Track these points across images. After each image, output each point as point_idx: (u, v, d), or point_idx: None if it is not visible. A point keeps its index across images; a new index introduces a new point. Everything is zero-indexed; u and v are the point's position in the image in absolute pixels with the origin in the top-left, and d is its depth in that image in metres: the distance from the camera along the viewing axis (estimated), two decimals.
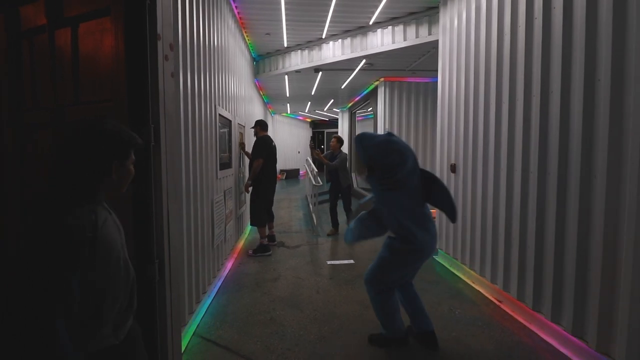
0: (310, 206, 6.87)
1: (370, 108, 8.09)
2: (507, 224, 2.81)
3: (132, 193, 1.55)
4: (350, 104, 10.10)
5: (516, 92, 2.70)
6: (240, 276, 3.60)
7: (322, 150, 10.08)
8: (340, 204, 5.41)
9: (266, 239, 4.41)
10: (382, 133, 2.28)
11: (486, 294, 3.09)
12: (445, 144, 3.95)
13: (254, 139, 4.44)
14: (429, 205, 2.16)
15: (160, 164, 1.62)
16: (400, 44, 4.79)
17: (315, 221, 5.59)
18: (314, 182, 5.70)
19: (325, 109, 11.44)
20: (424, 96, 6.68)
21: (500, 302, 2.92)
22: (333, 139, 5.33)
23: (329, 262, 4.04)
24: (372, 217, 2.23)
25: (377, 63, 5.64)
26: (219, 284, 3.33)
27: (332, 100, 9.51)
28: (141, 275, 1.58)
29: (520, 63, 2.66)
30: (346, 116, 11.11)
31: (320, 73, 6.13)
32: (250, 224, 4.51)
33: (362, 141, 2.11)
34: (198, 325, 2.55)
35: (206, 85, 2.92)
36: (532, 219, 2.51)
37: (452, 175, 3.77)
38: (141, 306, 1.29)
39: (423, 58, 5.35)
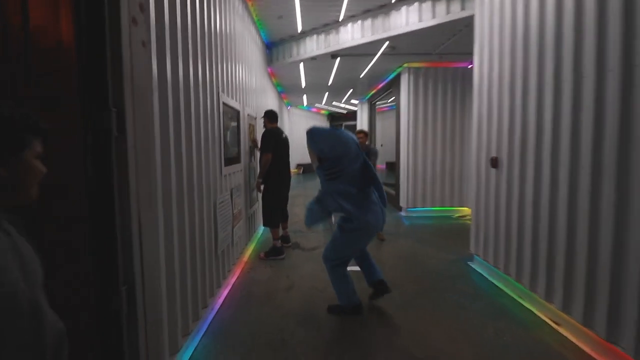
0: None
1: (393, 98, 7.53)
2: (569, 232, 2.27)
3: (88, 202, 1.16)
4: (370, 95, 9.55)
5: (583, 67, 2.16)
6: (250, 284, 3.23)
7: None
8: None
9: (279, 241, 4.03)
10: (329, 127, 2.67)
11: (539, 314, 2.58)
12: (484, 135, 3.41)
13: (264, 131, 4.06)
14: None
15: (127, 161, 1.22)
16: (427, 22, 4.25)
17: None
18: None
19: (343, 101, 10.91)
20: (452, 83, 6.07)
21: (558, 324, 2.40)
22: (361, 134, 4.75)
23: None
24: (319, 203, 2.51)
25: (400, 46, 5.10)
26: (225, 294, 2.97)
27: (350, 91, 8.98)
28: (104, 309, 1.21)
29: (589, 31, 2.11)
30: (365, 108, 10.56)
31: (338, 59, 5.65)
32: (263, 225, 4.14)
33: (313, 135, 2.43)
34: (195, 348, 2.18)
35: (205, 70, 2.52)
36: (607, 228, 1.98)
37: (493, 171, 3.24)
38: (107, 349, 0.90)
39: (453, 39, 4.77)
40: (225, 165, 3.04)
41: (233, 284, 3.22)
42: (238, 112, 3.66)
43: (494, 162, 3.20)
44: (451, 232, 5.17)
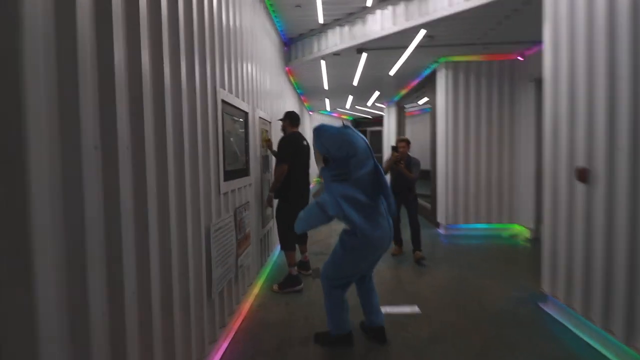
0: None
1: (426, 99, 6.73)
2: None
3: None
4: (398, 96, 8.76)
5: None
6: (257, 332, 2.54)
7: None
8: (404, 215, 4.25)
9: (295, 268, 3.34)
10: (340, 126, 2.22)
11: None
12: (564, 140, 2.58)
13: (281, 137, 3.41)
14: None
15: None
16: (475, 0, 3.47)
17: None
18: None
19: (369, 104, 10.17)
20: (499, 79, 5.20)
21: None
22: (402, 142, 4.15)
23: (382, 310, 2.84)
24: (319, 206, 2.13)
25: (439, 35, 4.33)
26: (225, 346, 2.29)
27: (377, 93, 8.23)
28: None
29: None
30: (393, 111, 9.77)
31: (365, 55, 4.94)
32: (280, 248, 3.47)
33: (319, 133, 2.19)
34: None
35: (192, 59, 1.89)
36: None
37: (580, 186, 2.40)
38: None
39: (505, 23, 3.95)
40: (226, 179, 2.39)
41: (237, 330, 2.54)
42: (246, 115, 3.02)
43: (583, 175, 2.36)
44: (505, 256, 4.28)
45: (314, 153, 2.29)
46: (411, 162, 4.08)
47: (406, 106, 8.54)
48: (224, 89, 2.40)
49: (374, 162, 2.20)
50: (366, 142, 2.20)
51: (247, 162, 3.02)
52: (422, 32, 4.11)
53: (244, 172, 2.93)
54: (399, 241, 4.38)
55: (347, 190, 2.10)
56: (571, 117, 2.51)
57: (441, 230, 5.49)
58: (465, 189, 5.30)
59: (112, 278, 1.17)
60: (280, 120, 3.57)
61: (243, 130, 2.95)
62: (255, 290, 3.23)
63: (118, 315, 1.19)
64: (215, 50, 2.22)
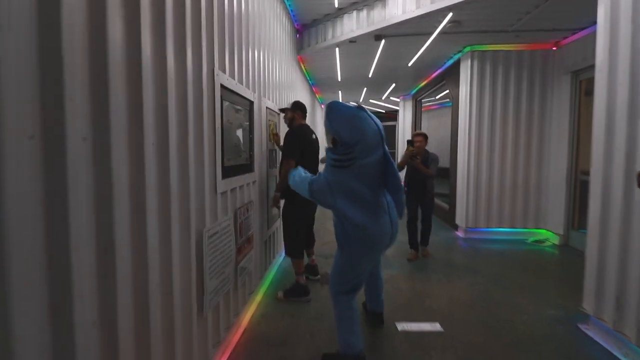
0: None
1: (446, 91, 6.30)
2: None
3: None
4: (416, 89, 8.32)
5: None
6: (257, 349, 2.25)
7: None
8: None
9: (303, 276, 3.03)
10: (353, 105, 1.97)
11: None
12: (620, 138, 2.19)
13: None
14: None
15: None
16: None
17: None
18: None
19: (383, 97, 9.75)
20: (529, 71, 4.74)
21: None
22: (419, 137, 3.90)
23: (400, 327, 2.52)
24: (308, 186, 2.05)
25: (467, 21, 3.93)
26: None
27: (392, 85, 7.81)
28: None
29: None
30: (409, 105, 9.34)
31: (383, 42, 4.56)
32: (285, 254, 3.18)
33: (330, 112, 1.98)
34: None
35: (184, 37, 1.58)
36: None
37: None
38: None
39: (540, 8, 3.52)
40: (225, 177, 2.09)
41: (236, 345, 2.26)
42: (251, 104, 2.71)
43: None
44: (534, 265, 3.89)
45: (325, 133, 2.05)
46: (429, 158, 3.84)
47: (424, 100, 8.10)
48: (224, 72, 2.08)
49: (384, 150, 1.95)
50: (379, 128, 1.95)
51: (251, 156, 2.71)
52: (449, 16, 3.71)
53: (247, 167, 2.62)
54: (414, 245, 4.06)
55: (345, 179, 1.90)
56: (631, 112, 2.12)
57: (460, 233, 5.12)
58: (488, 189, 4.89)
59: (56, 306, 0.88)
60: (285, 110, 3.23)
61: (247, 122, 2.64)
62: (258, 297, 2.94)
63: (69, 354, 0.90)
64: (214, 27, 1.90)
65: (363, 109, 1.96)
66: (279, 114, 3.74)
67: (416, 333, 2.44)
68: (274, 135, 3.41)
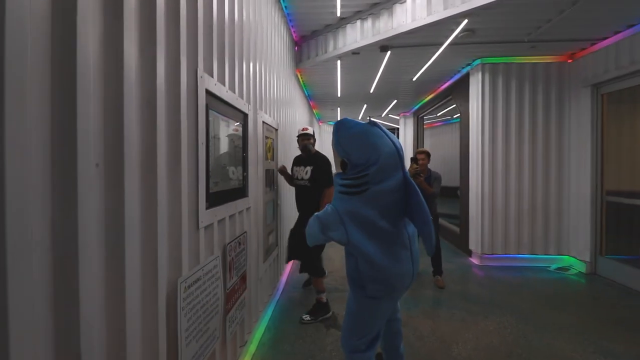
0: None
1: (451, 106, 6.00)
2: None
3: None
4: (418, 105, 8.05)
5: None
6: None
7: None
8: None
9: (325, 295, 2.99)
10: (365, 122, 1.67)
11: None
12: None
13: (295, 154, 2.83)
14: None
15: None
16: None
17: None
18: None
19: (383, 115, 9.47)
20: (545, 85, 4.44)
21: None
22: (422, 154, 3.79)
23: None
24: (318, 223, 1.63)
25: (480, 30, 3.63)
26: None
27: (394, 102, 7.52)
28: None
29: None
30: (410, 123, 9.05)
31: (389, 54, 4.25)
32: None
33: (337, 130, 1.70)
34: None
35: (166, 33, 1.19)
36: None
37: None
38: None
39: (565, 14, 3.23)
40: (210, 206, 1.65)
41: None
42: (245, 117, 2.31)
43: None
44: (564, 298, 3.44)
45: (333, 155, 1.77)
46: (431, 176, 3.78)
47: (428, 117, 7.80)
48: (211, 76, 1.69)
49: (404, 174, 1.62)
50: (396, 147, 1.63)
51: (244, 178, 2.29)
52: (464, 23, 3.40)
53: (240, 192, 2.19)
54: (439, 267, 3.84)
55: (358, 208, 1.56)
56: None
57: (474, 260, 4.67)
58: (504, 212, 4.49)
59: None
60: (308, 135, 3.15)
61: (241, 138, 2.23)
62: (252, 348, 2.44)
63: None
64: (198, 23, 1.52)
65: (376, 124, 1.67)
66: (277, 131, 3.35)
67: None
68: (281, 169, 3.30)
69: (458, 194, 6.34)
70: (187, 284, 1.37)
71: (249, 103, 2.40)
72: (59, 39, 0.81)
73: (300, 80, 5.72)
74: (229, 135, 2.00)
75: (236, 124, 2.12)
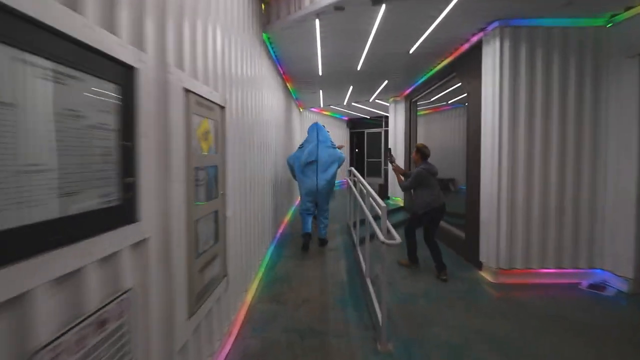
0: (359, 249, 3.94)
1: (453, 87, 5.03)
2: None
3: None
4: (411, 89, 7.07)
5: None
6: None
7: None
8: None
9: None
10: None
11: None
12: None
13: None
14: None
15: None
16: None
17: (375, 300, 2.68)
18: (377, 201, 2.84)
19: (371, 99, 8.42)
20: (579, 55, 3.52)
21: None
22: (414, 150, 3.93)
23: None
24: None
25: None
26: None
27: (384, 83, 6.48)
28: None
29: None
30: (400, 109, 8.07)
31: (383, 8, 3.21)
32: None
33: (323, 128, 4.87)
34: None
35: None
36: None
37: None
38: None
39: None
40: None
41: None
42: (130, 72, 1.24)
43: None
44: (610, 330, 2.58)
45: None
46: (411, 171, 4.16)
47: (425, 101, 6.82)
48: None
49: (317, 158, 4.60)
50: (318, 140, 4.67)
51: (129, 187, 1.23)
52: None
53: (111, 217, 1.14)
54: (414, 257, 4.06)
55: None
56: None
57: (487, 276, 3.75)
58: (525, 216, 3.59)
59: None
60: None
61: (112, 108, 1.18)
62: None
63: None
64: None
65: (317, 123, 4.50)
66: (222, 108, 2.28)
67: None
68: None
69: (450, 187, 5.47)
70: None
71: (146, 51, 1.34)
72: None
73: (272, 53, 4.61)
74: (66, 104, 0.94)
75: (101, 82, 1.06)
